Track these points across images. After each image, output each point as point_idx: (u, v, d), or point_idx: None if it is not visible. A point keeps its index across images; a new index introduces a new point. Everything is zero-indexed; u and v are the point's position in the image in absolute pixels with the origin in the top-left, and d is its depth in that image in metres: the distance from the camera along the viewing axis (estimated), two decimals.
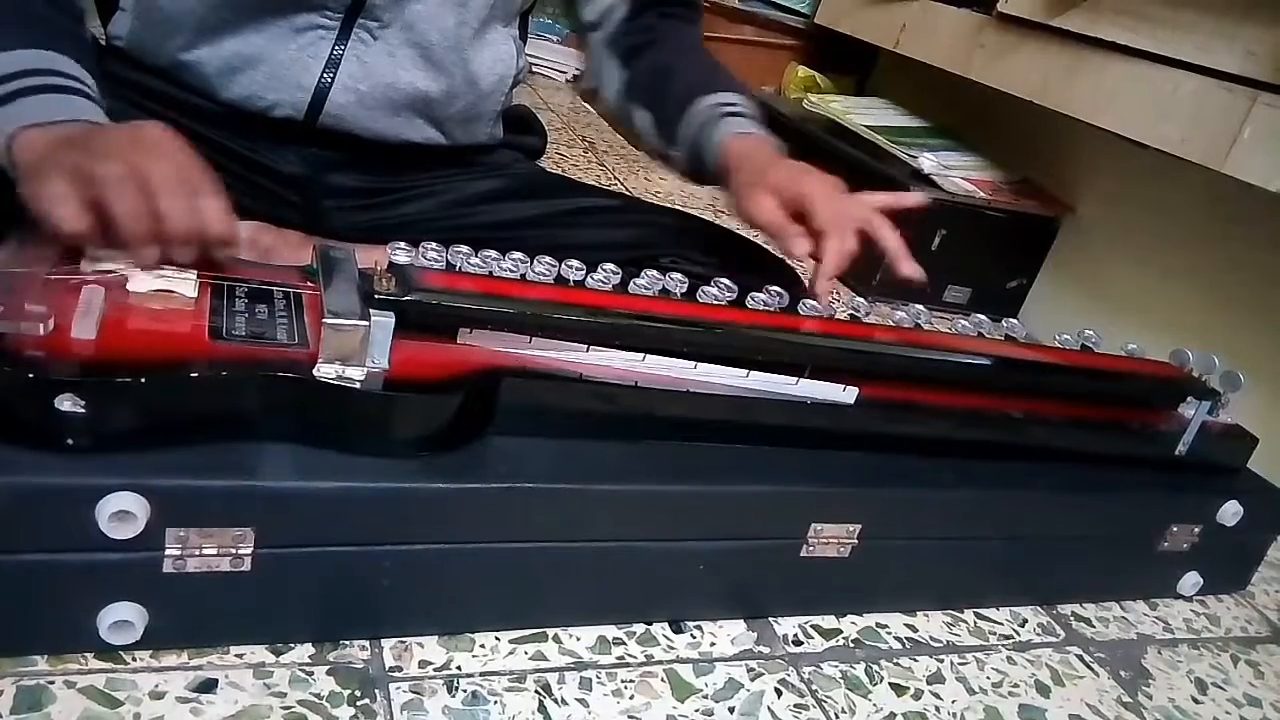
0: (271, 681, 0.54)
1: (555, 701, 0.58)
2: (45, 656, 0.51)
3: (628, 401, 0.62)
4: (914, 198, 0.85)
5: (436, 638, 0.60)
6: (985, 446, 0.73)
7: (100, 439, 0.48)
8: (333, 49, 0.78)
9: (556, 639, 0.62)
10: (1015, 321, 0.79)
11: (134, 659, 0.52)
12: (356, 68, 0.79)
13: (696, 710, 0.60)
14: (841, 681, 0.66)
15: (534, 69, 2.13)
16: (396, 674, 0.56)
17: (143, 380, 0.48)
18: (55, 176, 0.53)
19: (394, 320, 0.54)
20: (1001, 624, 0.77)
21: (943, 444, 0.72)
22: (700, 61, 0.94)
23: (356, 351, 0.53)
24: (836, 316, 0.71)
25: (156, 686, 0.51)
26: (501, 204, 0.91)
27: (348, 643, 0.57)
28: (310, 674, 0.55)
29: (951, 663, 0.71)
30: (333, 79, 0.79)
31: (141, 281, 0.55)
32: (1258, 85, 1.04)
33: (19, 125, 0.58)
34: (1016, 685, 0.70)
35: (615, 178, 1.77)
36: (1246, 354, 1.18)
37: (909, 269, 0.77)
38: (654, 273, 0.68)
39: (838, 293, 0.75)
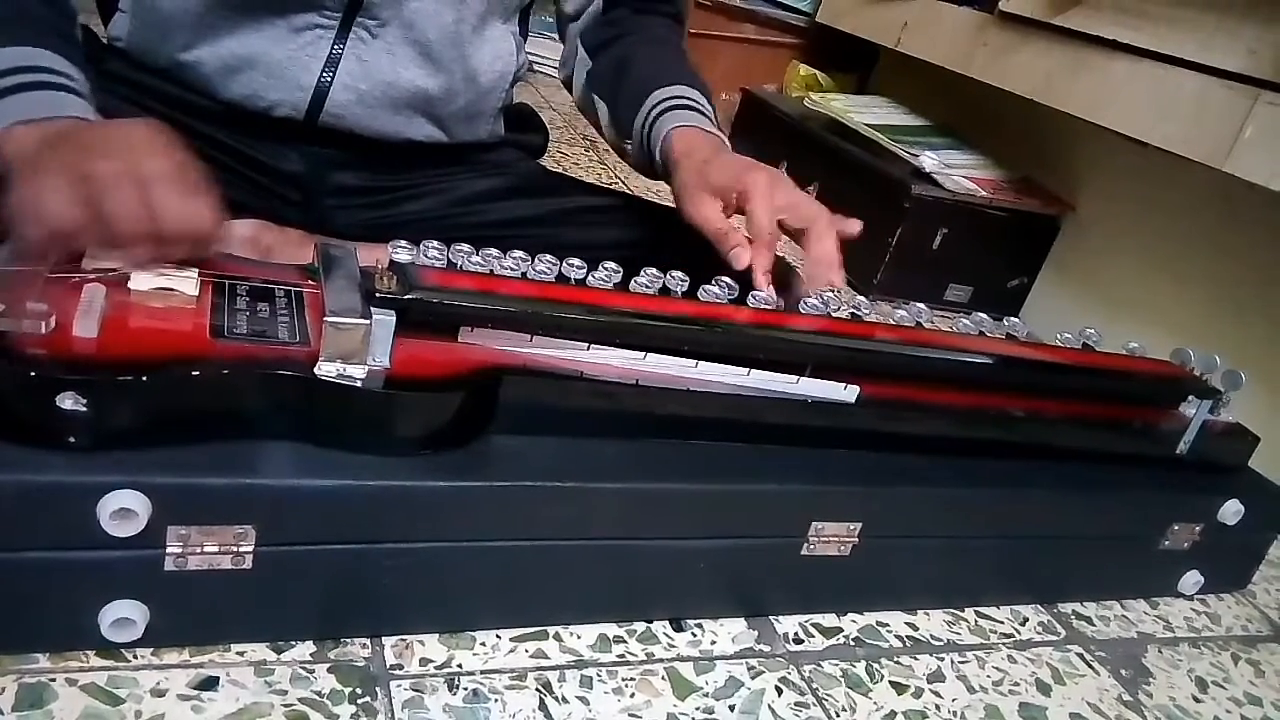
0: (273, 679, 0.54)
1: (556, 699, 0.58)
2: (47, 654, 0.51)
3: (628, 400, 0.62)
4: (853, 226, 0.76)
5: (437, 636, 0.60)
6: (986, 445, 0.73)
7: (101, 437, 0.48)
8: (332, 48, 0.78)
9: (557, 637, 0.62)
10: (1016, 320, 0.79)
11: (135, 656, 0.53)
12: (356, 66, 0.79)
13: (697, 708, 0.60)
14: (842, 680, 0.66)
15: (535, 67, 2.13)
16: (397, 672, 0.56)
17: (144, 378, 0.48)
18: (49, 172, 0.52)
19: (395, 319, 0.54)
20: (1002, 622, 0.77)
21: (943, 442, 0.72)
22: (663, 56, 0.91)
23: (358, 350, 0.53)
24: (834, 313, 0.70)
25: (158, 684, 0.52)
26: (503, 202, 0.91)
27: (349, 641, 0.57)
28: (311, 672, 0.55)
29: (952, 661, 0.71)
30: (332, 78, 0.79)
31: (142, 280, 0.55)
32: (1259, 84, 1.03)
33: (9, 122, 0.58)
34: (1017, 684, 0.70)
35: (616, 176, 1.77)
36: (1248, 353, 1.18)
37: (824, 280, 0.72)
38: (654, 271, 0.68)
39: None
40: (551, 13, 0.98)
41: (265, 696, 0.52)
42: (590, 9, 0.93)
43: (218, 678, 0.53)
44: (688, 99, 0.84)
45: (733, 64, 2.08)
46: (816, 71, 2.02)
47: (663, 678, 0.61)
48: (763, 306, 0.68)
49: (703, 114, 0.84)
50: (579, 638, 0.63)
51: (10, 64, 0.61)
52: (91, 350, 0.49)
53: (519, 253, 0.63)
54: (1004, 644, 0.74)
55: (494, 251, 0.63)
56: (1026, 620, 0.78)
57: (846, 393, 0.68)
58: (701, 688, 0.62)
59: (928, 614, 0.75)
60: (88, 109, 0.62)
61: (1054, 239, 1.55)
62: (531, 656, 0.60)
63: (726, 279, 0.69)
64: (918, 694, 0.67)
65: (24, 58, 0.61)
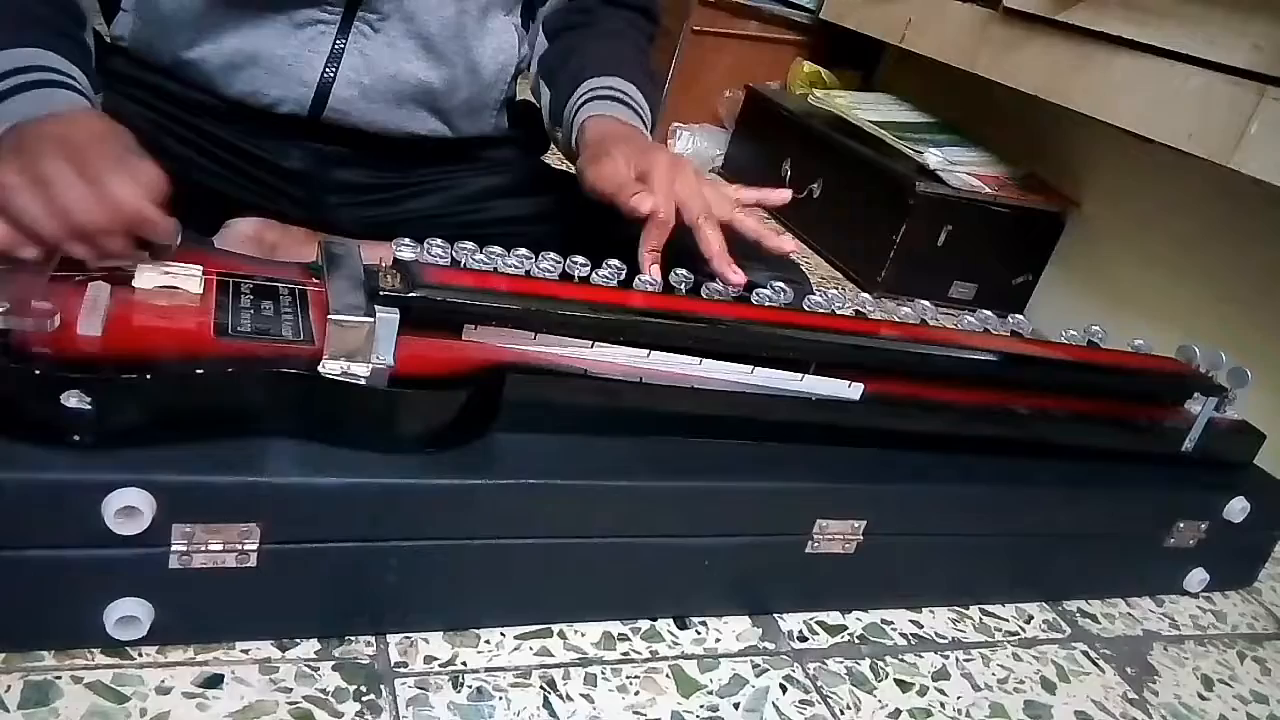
0: (277, 677, 0.54)
1: (560, 697, 0.58)
2: (52, 652, 0.51)
3: (632, 397, 0.62)
4: (780, 194, 0.76)
5: (442, 633, 0.60)
6: (991, 442, 0.73)
7: (106, 435, 0.48)
8: (334, 43, 0.78)
9: (562, 635, 0.62)
10: (1021, 317, 0.79)
11: (140, 654, 0.53)
12: (358, 61, 0.79)
13: (701, 706, 0.60)
14: (846, 678, 0.66)
15: None
16: (402, 669, 0.57)
17: (148, 376, 0.48)
18: None
19: (399, 316, 0.54)
20: (1007, 620, 0.76)
21: (948, 440, 0.72)
22: (610, 47, 0.87)
23: (362, 348, 0.53)
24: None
25: (163, 682, 0.52)
26: (506, 200, 0.91)
27: (353, 638, 0.57)
28: (316, 669, 0.55)
29: (957, 659, 0.70)
30: (335, 73, 0.79)
31: (147, 278, 0.55)
32: (1265, 80, 1.03)
33: (6, 125, 0.58)
34: (1022, 681, 0.70)
35: None
36: (1253, 349, 1.17)
37: (732, 275, 0.68)
38: (656, 268, 0.68)
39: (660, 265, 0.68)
40: None
41: (270, 694, 0.53)
42: None
43: (222, 675, 0.53)
44: (617, 90, 0.82)
45: (737, 61, 2.07)
46: (820, 68, 2.01)
47: (667, 675, 0.61)
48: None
49: (630, 106, 0.81)
50: (583, 635, 0.63)
51: (9, 66, 0.61)
52: (96, 348, 0.49)
53: (522, 250, 0.63)
54: (1009, 642, 0.74)
55: (497, 249, 0.63)
56: (1031, 618, 0.78)
57: (851, 390, 0.67)
58: (706, 685, 0.62)
59: (932, 612, 0.75)
60: (85, 106, 0.62)
61: (1059, 236, 1.55)
62: (536, 654, 0.60)
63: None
64: (922, 692, 0.66)
65: (24, 59, 0.62)
